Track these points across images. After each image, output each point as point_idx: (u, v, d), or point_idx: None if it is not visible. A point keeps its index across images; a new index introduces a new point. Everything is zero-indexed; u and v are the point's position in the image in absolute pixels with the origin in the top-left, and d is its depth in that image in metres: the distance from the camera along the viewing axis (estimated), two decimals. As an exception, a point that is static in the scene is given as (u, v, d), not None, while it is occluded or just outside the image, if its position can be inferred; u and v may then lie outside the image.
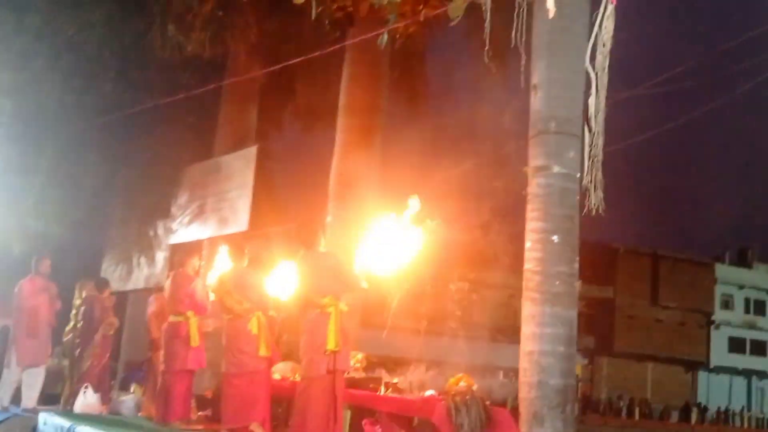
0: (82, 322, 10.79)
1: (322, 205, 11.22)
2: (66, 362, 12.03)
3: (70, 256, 13.08)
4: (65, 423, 8.45)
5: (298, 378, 7.95)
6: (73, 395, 10.26)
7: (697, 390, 39.47)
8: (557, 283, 7.54)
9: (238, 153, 12.65)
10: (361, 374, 8.46)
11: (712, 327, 44.56)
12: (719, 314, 45.32)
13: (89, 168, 13.35)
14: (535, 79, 7.87)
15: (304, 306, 7.28)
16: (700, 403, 38.76)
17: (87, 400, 9.92)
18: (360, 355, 8.94)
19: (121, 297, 13.52)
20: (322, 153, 12.01)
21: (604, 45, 6.41)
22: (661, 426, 26.19)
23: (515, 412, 7.75)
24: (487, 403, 7.42)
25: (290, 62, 10.72)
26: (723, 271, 46.57)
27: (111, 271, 14.31)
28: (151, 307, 10.50)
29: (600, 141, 6.50)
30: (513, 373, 8.35)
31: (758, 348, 48.04)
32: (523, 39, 7.02)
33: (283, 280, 8.20)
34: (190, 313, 8.67)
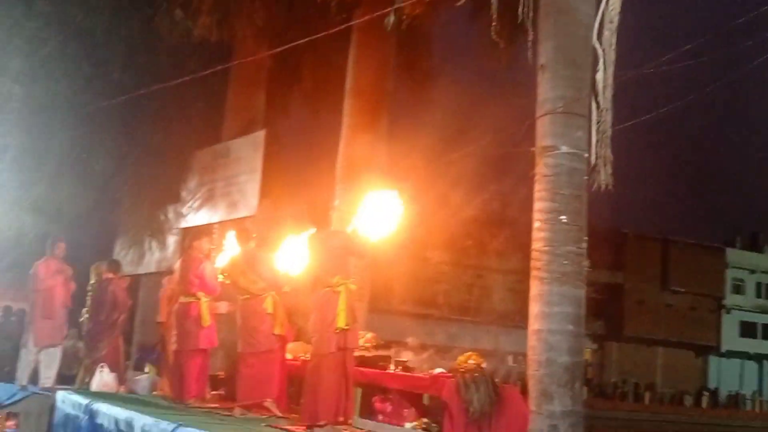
0: (95, 304, 10.95)
1: (330, 188, 11.30)
2: (81, 344, 12.22)
3: (83, 240, 13.22)
4: (83, 400, 8.60)
5: (308, 357, 8.07)
6: (89, 375, 10.44)
7: (708, 375, 39.45)
8: (565, 262, 7.63)
9: (247, 137, 12.74)
10: (371, 353, 8.57)
11: (723, 311, 44.49)
12: (730, 299, 45.21)
13: (100, 153, 13.44)
14: (542, 59, 7.92)
15: (314, 285, 7.39)
16: (711, 388, 38.77)
17: (103, 379, 10.11)
18: (369, 334, 9.05)
19: (134, 280, 13.66)
20: (330, 136, 12.08)
21: (611, 21, 6.45)
22: (672, 410, 26.23)
23: (524, 389, 7.86)
24: (496, 380, 7.52)
25: (297, 43, 10.76)
26: (734, 255, 46.43)
27: (123, 255, 14.44)
28: (163, 291, 10.67)
29: (608, 117, 6.57)
30: (522, 357, 8.44)
31: (770, 333, 47.91)
32: (531, 15, 7.06)
33: (292, 259, 8.30)
34: (200, 294, 8.82)
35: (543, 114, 7.83)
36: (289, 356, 8.97)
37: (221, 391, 9.63)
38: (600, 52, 6.55)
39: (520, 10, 7.20)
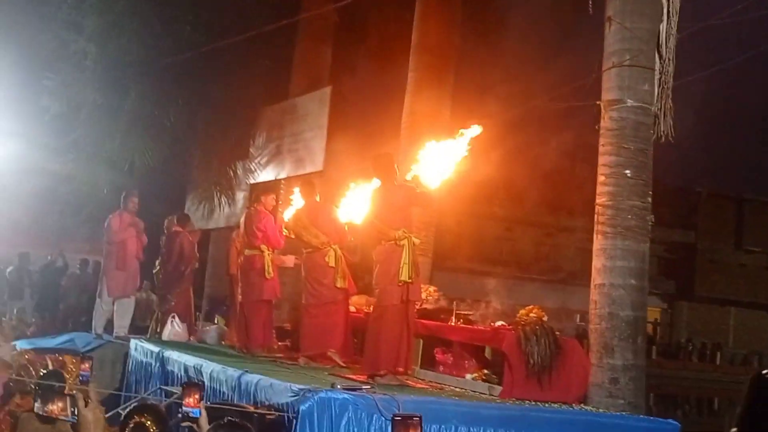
0: (164, 257, 11.29)
1: (395, 144, 11.34)
2: (154, 295, 12.64)
3: (155, 195, 13.60)
4: (155, 348, 8.94)
5: (371, 309, 8.19)
6: (161, 325, 10.81)
7: (782, 335, 38.63)
8: (629, 216, 7.58)
9: (313, 94, 12.83)
10: (432, 305, 8.66)
11: (799, 271, 43.16)
12: (807, 257, 43.79)
13: (171, 109, 13.71)
14: (609, 11, 7.81)
15: (377, 238, 7.46)
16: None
17: (174, 328, 10.45)
18: (432, 288, 9.14)
19: (204, 235, 13.99)
20: (395, 92, 12.07)
21: (676, -30, 6.30)
22: (744, 371, 25.81)
23: (585, 342, 7.86)
24: (557, 333, 7.54)
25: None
26: (811, 212, 44.80)
27: (194, 210, 14.79)
28: (233, 244, 10.93)
29: (671, 68, 6.45)
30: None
31: None
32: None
33: (356, 212, 8.41)
34: (263, 247, 9.02)
35: (609, 67, 7.74)
36: (352, 309, 9.14)
37: (287, 342, 9.87)
38: (664, 1, 6.39)
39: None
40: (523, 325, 7.42)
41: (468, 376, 7.66)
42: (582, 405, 7.25)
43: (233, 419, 3.98)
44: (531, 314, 7.64)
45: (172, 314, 10.67)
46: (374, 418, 5.62)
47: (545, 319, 7.62)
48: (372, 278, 7.61)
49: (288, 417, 5.59)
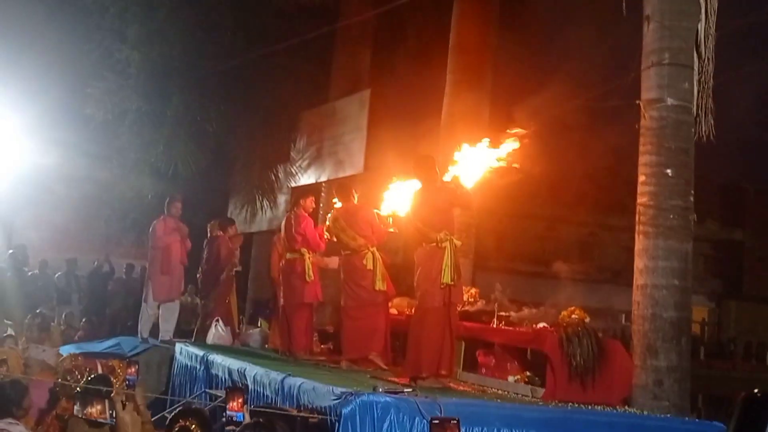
0: (203, 261, 11.45)
1: (434, 146, 11.36)
2: (198, 300, 12.81)
3: (198, 200, 13.78)
4: (199, 352, 9.07)
5: (413, 311, 8.21)
6: (205, 329, 10.95)
7: (833, 334, 37.81)
8: (671, 216, 7.51)
9: (352, 97, 12.91)
10: (474, 307, 8.66)
11: None
12: None
13: (213, 115, 13.88)
14: (647, 10, 7.75)
15: (419, 240, 7.48)
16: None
17: (218, 332, 10.58)
18: (473, 290, 9.14)
19: (246, 238, 14.13)
20: (434, 94, 12.09)
21: (714, -32, 6.24)
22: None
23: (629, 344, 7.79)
24: (600, 335, 7.50)
25: (400, 2, 10.79)
26: None
27: (236, 214, 14.96)
28: (275, 248, 11.03)
29: (710, 68, 6.37)
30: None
31: None
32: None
33: (397, 214, 8.45)
34: (303, 250, 9.08)
35: (648, 66, 7.67)
36: (393, 311, 9.17)
37: (330, 345, 9.94)
38: (702, 1, 6.33)
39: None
40: (565, 326, 7.40)
41: (510, 378, 7.65)
42: (626, 407, 7.20)
43: (260, 420, 4.04)
44: (573, 315, 7.60)
45: (216, 318, 10.80)
46: (416, 421, 5.63)
47: (587, 320, 7.58)
48: (413, 280, 7.64)
49: (330, 420, 5.64)
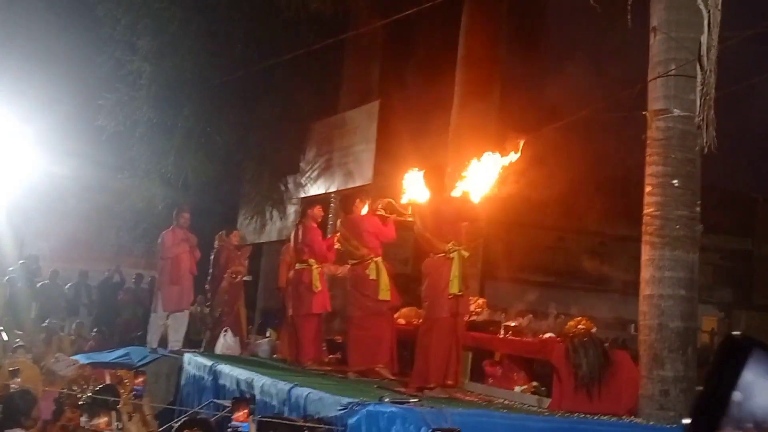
0: (211, 270, 11.53)
1: (443, 157, 11.40)
2: (207, 309, 12.88)
3: (208, 210, 13.86)
4: (207, 362, 9.13)
5: (420, 322, 8.24)
6: (213, 339, 11.01)
7: None
8: (677, 227, 7.51)
9: (362, 108, 12.97)
10: (481, 318, 8.69)
11: None
12: None
13: (223, 125, 13.97)
14: (654, 21, 7.77)
15: (427, 250, 7.53)
16: None
17: (227, 342, 10.65)
18: (480, 300, 9.17)
19: (256, 249, 14.20)
20: (443, 105, 12.15)
21: (717, -19, 6.27)
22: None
23: (636, 355, 7.80)
24: (606, 345, 7.51)
25: (409, 12, 10.86)
26: None
27: (246, 225, 15.03)
28: (283, 258, 11.10)
29: (712, 80, 6.40)
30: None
31: None
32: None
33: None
34: (311, 261, 9.14)
35: (655, 77, 7.70)
36: (401, 321, 9.21)
37: (338, 355, 9.98)
38: (705, 12, 6.37)
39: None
40: (572, 336, 7.42)
41: (517, 389, 7.68)
42: (632, 417, 7.20)
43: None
44: (579, 326, 7.63)
45: (225, 328, 10.87)
46: (422, 431, 5.67)
47: (594, 330, 7.60)
48: (421, 290, 7.68)
49: (337, 430, 5.68)
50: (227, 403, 7.12)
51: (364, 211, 8.80)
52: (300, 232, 9.35)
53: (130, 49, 14.00)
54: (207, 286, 11.72)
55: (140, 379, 5.57)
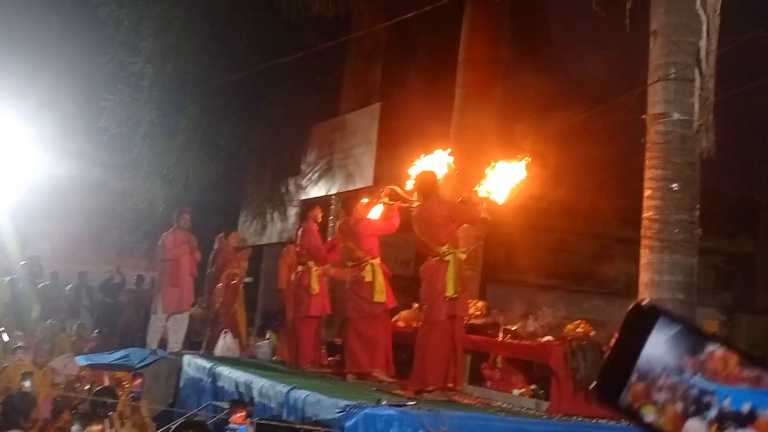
0: (209, 271, 11.56)
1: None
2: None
3: (209, 212, 13.87)
4: (206, 364, 9.14)
5: (420, 324, 8.24)
6: (213, 340, 11.01)
7: None
8: (676, 230, 7.53)
9: (363, 110, 12.99)
10: (480, 320, 8.68)
11: None
12: None
13: (225, 127, 14.00)
14: (654, 25, 7.79)
15: (424, 254, 7.55)
16: None
17: (226, 344, 10.64)
18: (480, 303, 9.17)
19: (257, 250, 14.21)
20: (444, 107, 12.15)
21: (715, -14, 6.28)
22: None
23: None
24: (604, 348, 7.51)
25: (410, 15, 10.87)
26: None
27: (247, 226, 15.06)
28: (283, 260, 11.11)
29: (711, 84, 6.41)
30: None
31: None
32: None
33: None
34: (310, 263, 9.16)
35: (655, 81, 7.71)
36: (401, 324, 9.21)
37: (337, 357, 9.97)
38: (703, 18, 6.38)
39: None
40: (570, 340, 7.42)
41: (515, 392, 7.67)
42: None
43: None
44: (578, 329, 7.63)
45: (225, 329, 10.87)
46: (419, 434, 5.67)
47: (592, 333, 7.60)
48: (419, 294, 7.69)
49: (334, 432, 5.69)
50: (226, 405, 7.14)
51: (377, 211, 8.71)
52: (299, 235, 9.38)
53: (132, 51, 14.03)
54: (205, 288, 11.74)
55: (138, 381, 5.58)
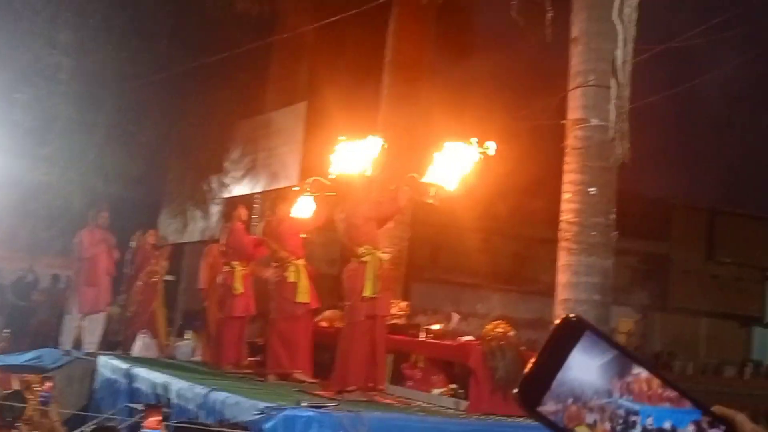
0: (127, 270, 11.35)
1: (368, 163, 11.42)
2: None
3: (129, 210, 13.58)
4: (123, 365, 8.95)
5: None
6: (130, 340, 10.79)
7: (752, 345, 39.07)
8: (593, 233, 7.72)
9: (288, 109, 12.90)
10: (402, 321, 8.74)
11: (768, 283, 43.83)
12: (776, 270, 44.42)
13: (146, 124, 13.73)
14: (574, 32, 7.96)
15: (347, 256, 7.56)
16: (754, 359, 38.32)
17: (144, 344, 10.44)
18: (403, 303, 9.23)
19: (178, 249, 13.98)
20: (371, 108, 12.17)
21: (631, -2, 6.47)
22: (714, 381, 26.11)
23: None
24: (522, 348, 7.64)
25: (337, 18, 10.87)
26: (781, 226, 45.40)
27: (168, 224, 14.80)
28: (205, 259, 10.96)
29: (626, 93, 6.60)
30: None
31: (817, 304, 47.01)
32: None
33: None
34: (234, 263, 9.08)
35: (574, 87, 7.89)
36: (324, 324, 9.20)
37: (258, 358, 9.90)
38: (620, 28, 6.56)
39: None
40: (489, 339, 7.52)
41: (435, 391, 7.75)
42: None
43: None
44: (497, 329, 7.73)
45: (143, 329, 10.67)
46: (338, 436, 5.67)
47: (511, 333, 7.72)
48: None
49: (253, 435, 5.64)
50: (142, 407, 7.00)
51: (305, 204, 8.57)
52: (226, 234, 9.29)
53: (49, 43, 13.64)
54: (123, 287, 11.50)
55: (48, 385, 5.41)
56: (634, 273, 26.83)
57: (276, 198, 9.45)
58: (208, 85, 14.03)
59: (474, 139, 7.69)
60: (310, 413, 5.72)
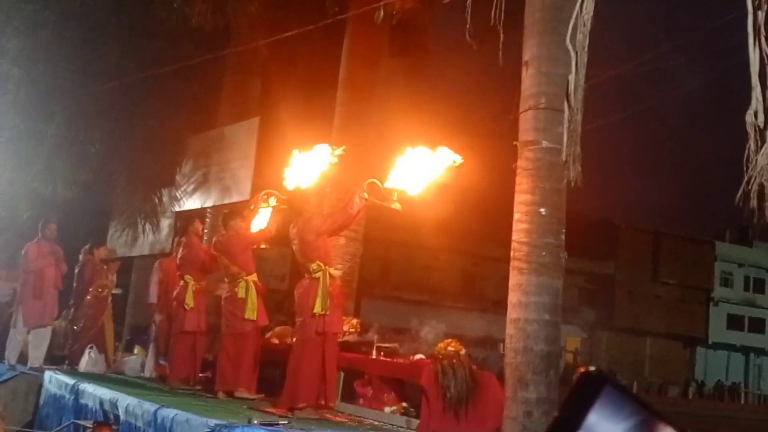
0: (75, 284, 11.17)
1: (323, 176, 11.45)
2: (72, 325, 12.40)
3: (77, 222, 13.39)
4: (69, 380, 8.80)
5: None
6: (77, 355, 10.62)
7: (695, 366, 39.96)
8: (544, 253, 7.83)
9: (241, 124, 12.87)
10: (354, 338, 8.76)
11: (712, 304, 45.01)
12: (719, 291, 45.69)
13: (96, 135, 13.56)
14: (526, 56, 8.12)
15: (298, 271, 7.58)
16: (698, 379, 39.20)
17: (92, 359, 10.29)
18: (354, 320, 9.25)
19: (127, 263, 13.82)
20: (324, 125, 12.22)
21: (584, 24, 6.63)
22: (659, 400, 26.61)
23: (501, 376, 8.06)
24: (474, 367, 7.73)
25: (290, 34, 10.91)
26: (723, 248, 46.80)
27: (117, 237, 14.60)
28: (155, 273, 10.87)
29: (578, 117, 6.75)
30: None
31: (756, 325, 48.46)
32: (502, 17, 7.26)
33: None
34: (188, 278, 9.02)
35: (525, 109, 8.03)
36: (275, 340, 9.18)
37: (208, 374, 9.82)
38: (572, 53, 6.73)
39: (492, 13, 7.41)
40: (441, 358, 7.59)
41: (387, 409, 7.77)
42: (497, 437, 7.42)
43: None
44: (449, 348, 7.81)
45: (90, 344, 10.52)
46: (290, 453, 5.66)
47: (462, 352, 7.80)
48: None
49: (203, 452, 5.60)
50: (89, 424, 6.91)
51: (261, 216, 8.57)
52: (180, 248, 9.23)
53: (-2, 53, 13.42)
54: (71, 301, 11.32)
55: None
56: (581, 292, 27.30)
57: (227, 212, 9.40)
58: (161, 98, 13.93)
59: (443, 148, 7.81)
60: (262, 431, 5.71)
